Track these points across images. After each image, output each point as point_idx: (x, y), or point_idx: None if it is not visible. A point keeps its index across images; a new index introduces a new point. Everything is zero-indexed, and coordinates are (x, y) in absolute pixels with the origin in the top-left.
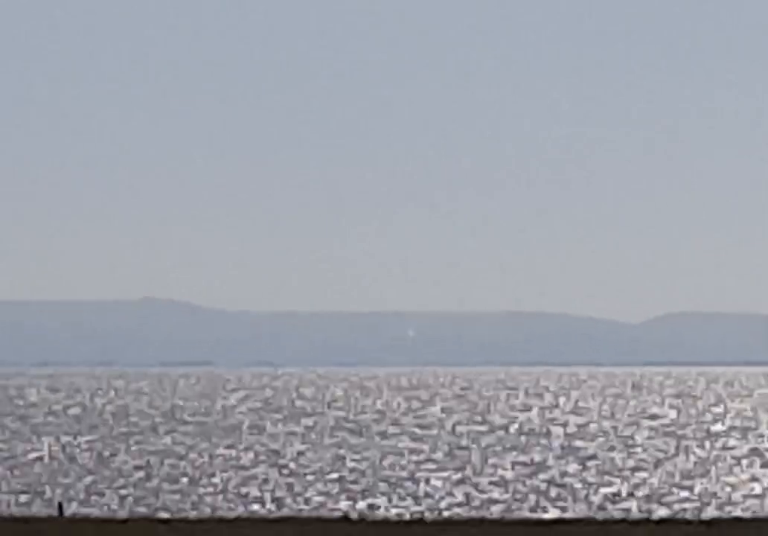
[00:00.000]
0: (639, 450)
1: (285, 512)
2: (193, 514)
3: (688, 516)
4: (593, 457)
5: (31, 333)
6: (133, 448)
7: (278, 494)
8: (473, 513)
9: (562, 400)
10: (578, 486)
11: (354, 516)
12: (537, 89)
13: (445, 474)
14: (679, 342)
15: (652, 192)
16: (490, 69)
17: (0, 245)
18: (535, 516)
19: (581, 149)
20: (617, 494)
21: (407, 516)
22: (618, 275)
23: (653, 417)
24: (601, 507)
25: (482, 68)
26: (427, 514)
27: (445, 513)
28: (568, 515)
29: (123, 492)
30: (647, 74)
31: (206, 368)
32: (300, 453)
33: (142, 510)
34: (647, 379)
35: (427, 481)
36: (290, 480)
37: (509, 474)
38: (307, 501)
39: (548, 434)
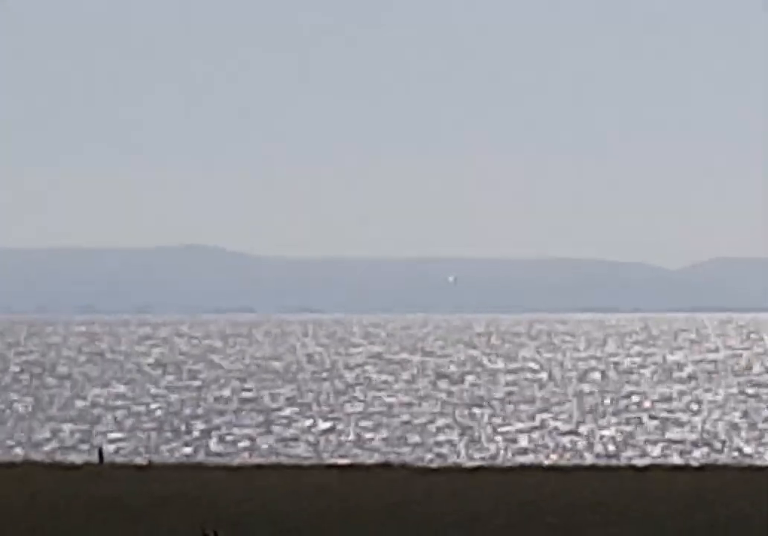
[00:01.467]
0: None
1: (328, 459)
2: (236, 461)
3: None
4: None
5: (73, 280)
6: (183, 396)
7: (324, 441)
8: (515, 461)
9: (612, 346)
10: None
11: (395, 462)
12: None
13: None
14: (721, 288)
15: (693, 132)
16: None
17: (42, 189)
18: (572, 463)
19: (615, 81)
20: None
21: (448, 463)
22: (659, 220)
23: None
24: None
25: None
26: (469, 461)
27: (483, 461)
28: (609, 462)
29: (168, 437)
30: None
31: (249, 315)
32: (347, 400)
33: (182, 457)
34: (695, 325)
35: (482, 427)
36: (336, 426)
37: (575, 417)
38: (351, 448)
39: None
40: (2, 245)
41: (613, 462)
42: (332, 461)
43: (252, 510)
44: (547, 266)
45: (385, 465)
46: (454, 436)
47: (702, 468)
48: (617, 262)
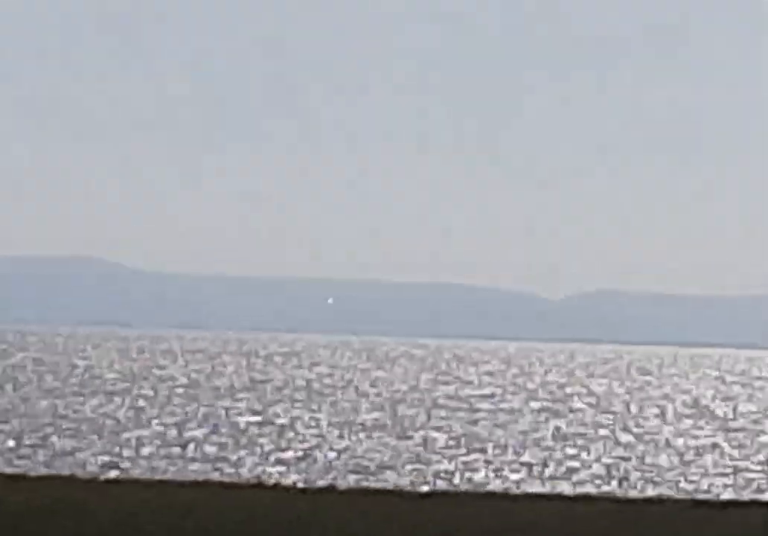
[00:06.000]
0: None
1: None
2: (108, 474)
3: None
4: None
5: None
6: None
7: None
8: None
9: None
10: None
11: (268, 482)
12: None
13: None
14: (598, 319)
15: (583, 171)
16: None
17: None
18: (466, 490)
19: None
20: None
21: (324, 485)
22: (540, 251)
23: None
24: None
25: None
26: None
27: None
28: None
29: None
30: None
31: (128, 329)
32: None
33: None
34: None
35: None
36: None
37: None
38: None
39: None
40: None
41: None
42: (203, 478)
43: (120, 524)
44: (428, 291)
45: (258, 485)
46: None
47: (647, 500)
48: (499, 290)
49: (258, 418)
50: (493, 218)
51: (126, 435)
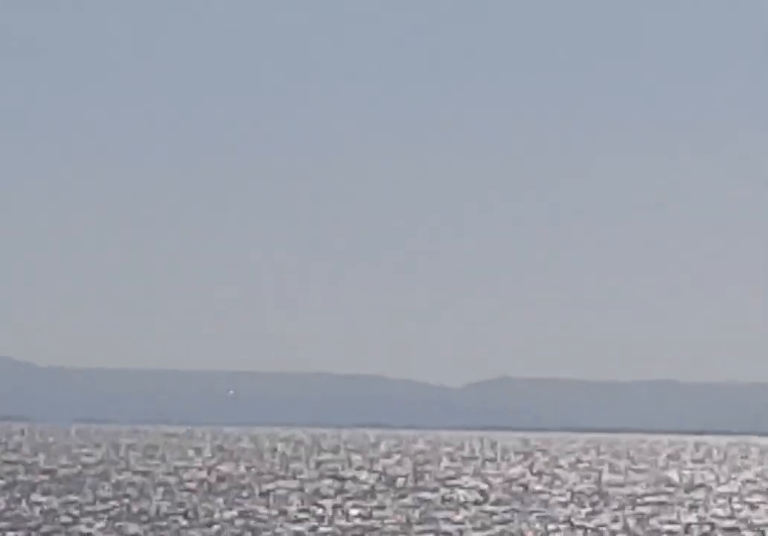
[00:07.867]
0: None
1: None
2: None
3: None
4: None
5: None
6: None
7: None
8: None
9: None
10: None
11: None
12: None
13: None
14: (502, 407)
15: (490, 252)
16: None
17: None
18: None
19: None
20: None
21: None
22: (439, 339)
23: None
24: None
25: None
26: None
27: None
28: None
29: None
30: None
31: (30, 423)
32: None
33: None
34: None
35: None
36: None
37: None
38: None
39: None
40: None
41: None
42: None
43: None
44: (322, 381)
45: None
46: None
47: None
48: (395, 379)
49: None
50: (382, 307)
51: None
